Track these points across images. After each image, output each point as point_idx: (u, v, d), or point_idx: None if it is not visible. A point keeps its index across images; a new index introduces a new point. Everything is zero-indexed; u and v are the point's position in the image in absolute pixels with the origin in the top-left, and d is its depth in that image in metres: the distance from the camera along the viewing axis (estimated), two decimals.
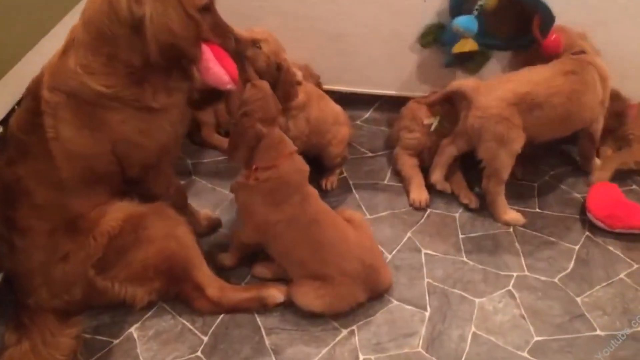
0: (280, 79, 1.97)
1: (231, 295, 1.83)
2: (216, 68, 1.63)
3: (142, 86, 1.62)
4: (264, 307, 1.84)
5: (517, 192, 2.32)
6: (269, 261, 1.93)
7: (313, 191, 1.85)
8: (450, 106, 2.31)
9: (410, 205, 2.26)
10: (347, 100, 2.63)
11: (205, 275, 1.81)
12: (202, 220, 2.08)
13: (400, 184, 2.37)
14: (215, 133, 2.53)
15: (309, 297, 1.78)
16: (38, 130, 1.61)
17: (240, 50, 1.74)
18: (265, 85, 1.77)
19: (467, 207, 2.25)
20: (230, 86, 1.66)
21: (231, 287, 1.86)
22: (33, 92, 1.64)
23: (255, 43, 1.96)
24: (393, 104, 2.62)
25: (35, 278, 1.69)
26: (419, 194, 2.26)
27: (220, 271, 1.90)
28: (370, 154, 2.52)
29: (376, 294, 1.87)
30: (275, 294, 1.84)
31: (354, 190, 2.35)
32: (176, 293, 1.81)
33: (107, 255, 1.69)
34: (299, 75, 2.10)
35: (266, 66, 1.97)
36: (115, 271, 1.72)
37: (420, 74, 2.59)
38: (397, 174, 2.39)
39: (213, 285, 1.82)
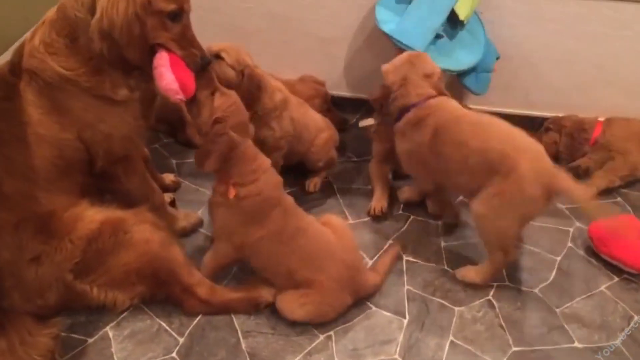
0: (243, 84, 1.97)
1: (221, 294, 1.82)
2: (168, 76, 1.59)
3: (101, 75, 1.62)
4: (254, 308, 1.82)
5: None
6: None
7: (289, 199, 1.82)
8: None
9: (368, 212, 2.24)
10: (334, 104, 2.63)
11: (192, 275, 1.79)
12: (182, 220, 2.07)
13: None
14: None
15: (292, 306, 1.76)
16: (8, 116, 1.59)
17: (207, 65, 1.71)
18: (233, 93, 1.76)
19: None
20: (179, 97, 1.62)
21: (221, 287, 1.85)
22: (1, 78, 1.63)
23: (216, 56, 1.95)
24: None
25: (6, 279, 1.66)
26: (377, 202, 2.24)
27: None
28: (355, 159, 2.52)
29: (362, 296, 1.85)
30: (266, 294, 1.82)
31: (337, 194, 2.34)
32: (164, 296, 1.79)
33: (86, 260, 1.67)
34: (268, 78, 2.09)
35: (234, 75, 1.97)
36: (95, 276, 1.70)
37: None
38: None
39: (202, 285, 1.80)
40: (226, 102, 1.71)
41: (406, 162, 2.06)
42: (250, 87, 1.98)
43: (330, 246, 1.79)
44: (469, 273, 1.98)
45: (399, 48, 2.19)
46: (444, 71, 2.15)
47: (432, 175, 2.02)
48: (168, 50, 1.62)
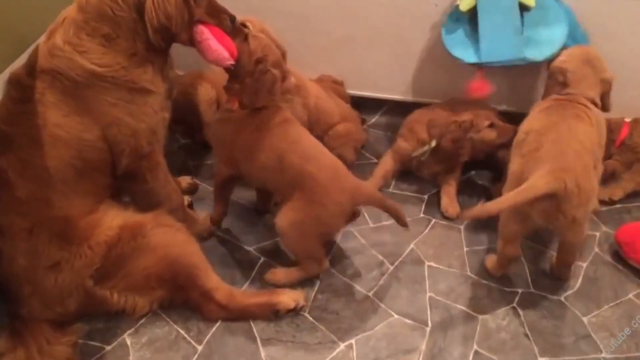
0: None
1: (240, 299, 1.79)
2: (216, 46, 1.73)
3: (144, 68, 1.66)
4: (274, 314, 1.79)
5: None
6: (283, 268, 1.92)
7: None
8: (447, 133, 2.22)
9: None
10: (353, 104, 2.59)
11: (211, 280, 1.78)
12: (201, 223, 2.04)
13: (405, 192, 2.33)
14: None
15: (286, 209, 1.79)
16: (23, 120, 1.58)
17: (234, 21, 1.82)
18: (262, 35, 1.89)
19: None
20: (229, 62, 1.76)
21: (240, 292, 1.83)
22: (15, 81, 1.62)
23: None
24: (400, 109, 2.57)
25: (24, 286, 1.65)
26: None
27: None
28: (375, 160, 2.46)
29: (362, 199, 1.87)
30: (287, 300, 1.80)
31: None
32: (183, 301, 1.78)
33: (106, 266, 1.66)
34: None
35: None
36: (115, 281, 1.69)
37: (428, 79, 2.54)
38: None
39: (221, 289, 1.78)
40: (260, 43, 1.84)
41: None
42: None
43: (323, 149, 1.87)
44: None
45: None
46: (549, 61, 2.08)
47: None
48: (203, 23, 1.72)
